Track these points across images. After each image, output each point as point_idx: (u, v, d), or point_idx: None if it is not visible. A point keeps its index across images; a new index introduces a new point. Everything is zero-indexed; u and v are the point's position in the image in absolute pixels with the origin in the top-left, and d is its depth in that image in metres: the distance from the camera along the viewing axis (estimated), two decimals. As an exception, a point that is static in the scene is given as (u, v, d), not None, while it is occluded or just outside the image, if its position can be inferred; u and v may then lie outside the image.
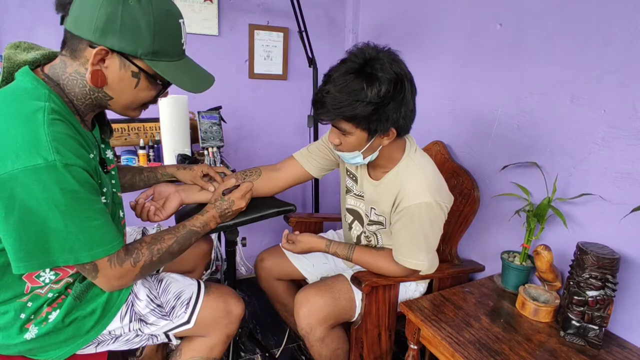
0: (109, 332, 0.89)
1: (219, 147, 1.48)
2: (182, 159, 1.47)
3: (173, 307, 0.95)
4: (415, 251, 1.08)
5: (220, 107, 1.57)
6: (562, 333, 1.03)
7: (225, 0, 1.82)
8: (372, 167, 1.16)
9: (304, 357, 1.62)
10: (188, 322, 0.95)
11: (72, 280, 0.84)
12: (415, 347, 1.17)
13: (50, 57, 0.79)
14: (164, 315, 0.93)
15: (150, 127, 1.54)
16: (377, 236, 1.21)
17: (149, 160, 1.52)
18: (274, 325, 1.80)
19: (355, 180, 1.21)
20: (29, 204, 0.64)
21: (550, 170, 1.18)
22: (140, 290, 0.93)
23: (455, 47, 1.52)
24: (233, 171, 1.40)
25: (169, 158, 1.51)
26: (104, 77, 0.74)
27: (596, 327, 0.98)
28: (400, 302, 1.20)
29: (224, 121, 1.54)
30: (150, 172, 1.15)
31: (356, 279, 1.14)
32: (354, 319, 1.20)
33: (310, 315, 1.13)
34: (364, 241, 1.25)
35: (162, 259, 0.87)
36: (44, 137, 0.64)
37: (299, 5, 1.66)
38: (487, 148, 1.41)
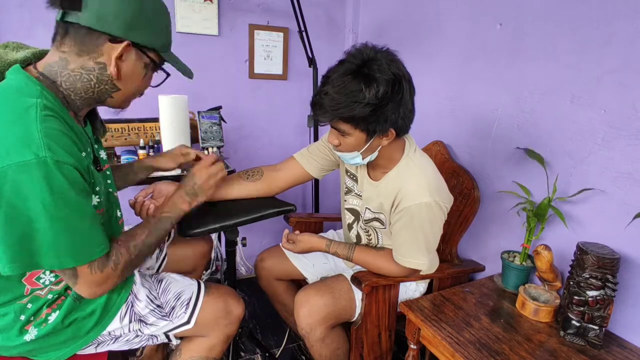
0: (109, 333, 0.88)
1: (219, 147, 1.48)
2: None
3: (173, 308, 0.95)
4: (415, 251, 1.08)
5: (220, 107, 1.57)
6: (562, 333, 1.03)
7: (225, 0, 1.82)
8: (371, 167, 1.16)
9: (304, 357, 1.62)
10: (188, 322, 0.95)
11: None
12: (415, 347, 1.17)
13: (40, 55, 0.79)
14: (164, 316, 0.93)
15: (150, 127, 1.54)
16: (377, 233, 1.20)
17: (149, 160, 1.52)
18: (274, 325, 1.80)
19: (356, 180, 1.21)
20: (15, 202, 0.62)
21: (550, 170, 1.18)
22: (140, 290, 0.93)
23: (456, 47, 1.52)
24: (233, 171, 1.40)
25: (169, 158, 1.51)
26: (121, 70, 0.77)
27: (596, 327, 0.98)
28: (400, 302, 1.20)
29: (224, 121, 1.54)
30: (127, 167, 1.13)
31: (356, 279, 1.14)
32: (354, 318, 1.20)
33: (310, 315, 1.13)
34: (364, 241, 1.25)
35: (141, 254, 0.83)
36: (36, 134, 0.63)
37: (299, 5, 1.66)
38: (487, 148, 1.41)
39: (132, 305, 0.91)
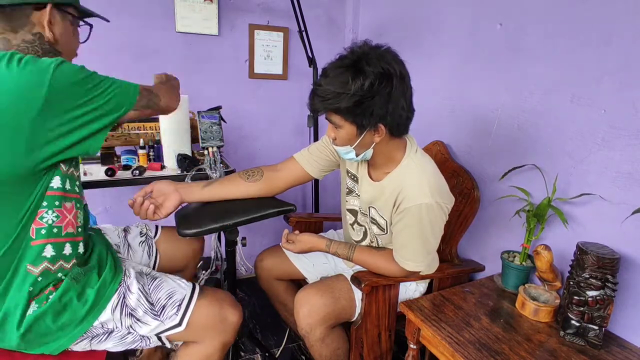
0: (102, 325, 0.89)
1: (219, 147, 1.48)
2: (182, 159, 1.47)
3: (164, 307, 0.94)
4: (415, 253, 1.08)
5: (220, 107, 1.57)
6: (562, 333, 1.03)
7: (225, 0, 1.82)
8: (372, 168, 1.16)
9: (304, 357, 1.62)
10: (179, 324, 0.94)
11: (70, 251, 0.87)
12: (415, 347, 1.17)
13: None
14: (155, 315, 0.93)
15: (150, 127, 1.54)
16: (378, 240, 1.21)
17: (149, 160, 1.52)
18: (274, 325, 1.80)
19: (357, 181, 1.21)
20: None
21: (550, 170, 1.18)
22: (133, 283, 0.94)
23: (455, 47, 1.52)
24: (233, 171, 1.40)
25: (169, 158, 1.51)
26: (55, 34, 0.83)
27: (596, 327, 0.98)
28: (400, 302, 1.20)
29: (224, 121, 1.54)
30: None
31: (356, 279, 1.14)
32: (354, 318, 1.20)
33: (310, 315, 1.13)
34: (369, 237, 1.25)
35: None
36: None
37: (299, 5, 1.66)
38: (487, 148, 1.41)
39: (124, 297, 0.92)
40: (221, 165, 1.48)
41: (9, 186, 0.75)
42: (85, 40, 0.97)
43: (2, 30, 0.79)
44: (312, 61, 1.82)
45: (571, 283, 1.01)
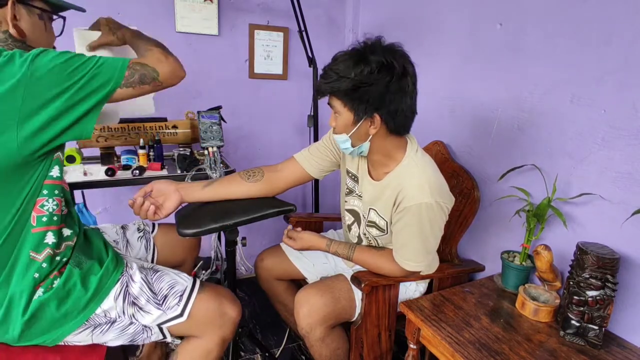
0: (104, 313, 0.89)
1: (219, 147, 1.48)
2: (182, 159, 1.47)
3: (166, 297, 0.95)
4: (415, 252, 1.08)
5: (220, 107, 1.57)
6: (562, 333, 1.03)
7: (225, 0, 1.82)
8: (372, 167, 1.16)
9: (304, 357, 1.62)
10: (181, 315, 0.95)
11: (69, 233, 0.89)
12: (415, 347, 1.17)
13: None
14: (157, 304, 0.94)
15: (150, 127, 1.54)
16: (377, 241, 1.21)
17: (149, 160, 1.52)
18: (274, 325, 1.80)
19: (357, 181, 1.21)
20: None
21: (550, 170, 1.18)
22: (136, 273, 0.96)
23: (455, 47, 1.52)
24: (233, 171, 1.40)
25: (169, 158, 1.51)
26: (22, 29, 0.82)
27: (596, 327, 0.98)
28: (400, 302, 1.20)
29: (224, 121, 1.54)
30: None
31: (356, 279, 1.14)
32: (354, 318, 1.20)
33: (310, 315, 1.13)
34: (364, 242, 1.25)
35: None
36: None
37: (299, 5, 1.66)
38: (487, 148, 1.41)
39: (127, 286, 0.93)
40: (221, 165, 1.48)
41: (5, 174, 0.76)
42: (60, 34, 0.95)
43: None
44: (312, 61, 1.82)
45: (571, 283, 1.01)
